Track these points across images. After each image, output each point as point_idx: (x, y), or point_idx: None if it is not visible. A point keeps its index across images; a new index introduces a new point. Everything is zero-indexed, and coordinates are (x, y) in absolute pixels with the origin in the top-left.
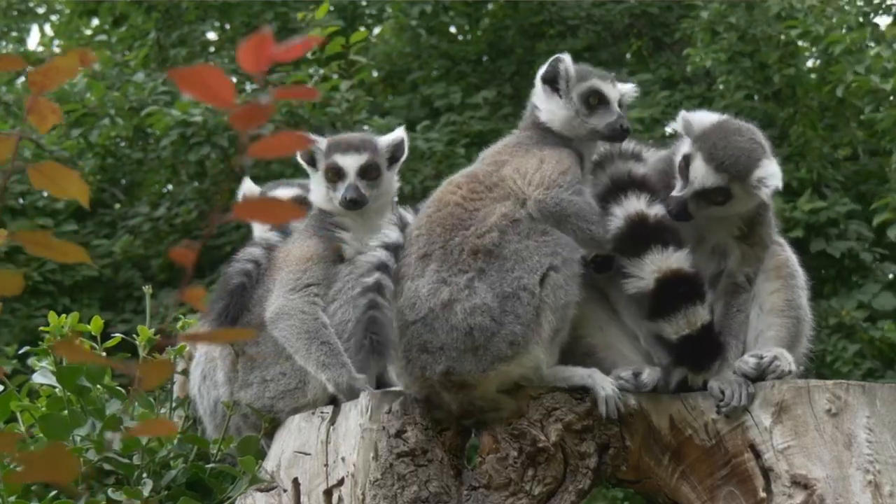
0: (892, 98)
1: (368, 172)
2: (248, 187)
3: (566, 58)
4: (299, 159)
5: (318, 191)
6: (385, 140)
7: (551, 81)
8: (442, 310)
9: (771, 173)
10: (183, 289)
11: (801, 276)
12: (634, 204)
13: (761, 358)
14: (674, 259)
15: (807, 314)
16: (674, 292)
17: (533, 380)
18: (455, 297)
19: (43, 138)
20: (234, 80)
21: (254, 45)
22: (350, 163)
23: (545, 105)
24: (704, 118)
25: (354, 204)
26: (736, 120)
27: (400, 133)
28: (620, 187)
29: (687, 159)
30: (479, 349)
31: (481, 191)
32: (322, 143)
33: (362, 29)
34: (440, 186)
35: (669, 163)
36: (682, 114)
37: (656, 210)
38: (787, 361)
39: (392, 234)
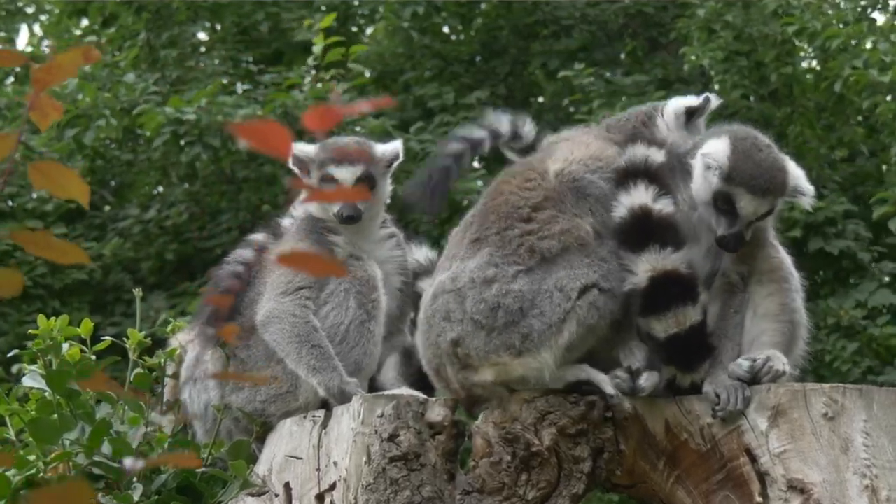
0: (890, 95)
1: (365, 182)
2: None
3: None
4: (290, 165)
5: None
6: (381, 149)
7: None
8: (481, 284)
9: (798, 176)
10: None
11: (796, 279)
12: (641, 196)
13: (754, 360)
14: (670, 260)
15: (802, 317)
16: (666, 292)
17: (532, 384)
18: (497, 278)
19: (33, 140)
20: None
21: (321, 112)
22: (346, 175)
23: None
24: (720, 150)
25: (350, 220)
26: (742, 130)
27: (397, 145)
28: (632, 173)
29: (725, 197)
30: (494, 331)
31: (534, 177)
32: (312, 151)
33: (355, 30)
34: (496, 178)
35: (642, 121)
36: (701, 153)
37: (661, 205)
38: (781, 362)
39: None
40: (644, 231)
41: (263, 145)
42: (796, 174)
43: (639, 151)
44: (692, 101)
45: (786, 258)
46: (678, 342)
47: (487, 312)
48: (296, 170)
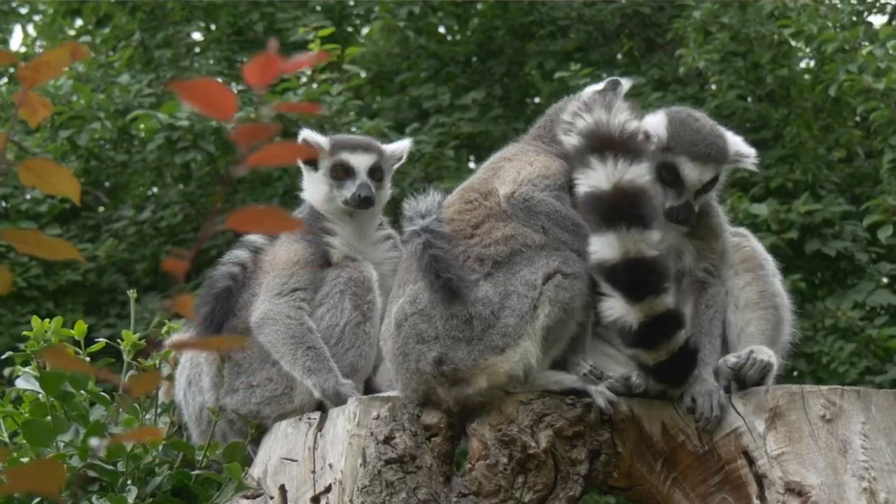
0: (884, 100)
1: (375, 173)
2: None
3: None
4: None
5: (317, 190)
6: (390, 147)
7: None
8: (443, 299)
9: (737, 142)
10: (172, 297)
11: (770, 263)
12: (635, 238)
13: (739, 356)
14: (664, 301)
15: (784, 300)
16: (658, 329)
17: (523, 379)
18: None
19: (27, 140)
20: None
21: (261, 63)
22: (360, 161)
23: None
24: (657, 123)
25: (367, 202)
26: (677, 106)
27: (404, 145)
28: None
29: (669, 167)
30: (474, 340)
31: (475, 199)
32: (324, 141)
33: (350, 30)
34: None
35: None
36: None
37: (655, 248)
38: (766, 354)
39: (438, 198)
40: (641, 275)
41: (206, 105)
42: (734, 140)
43: (626, 176)
44: (599, 86)
45: (757, 245)
46: (667, 367)
47: (462, 326)
48: (300, 162)
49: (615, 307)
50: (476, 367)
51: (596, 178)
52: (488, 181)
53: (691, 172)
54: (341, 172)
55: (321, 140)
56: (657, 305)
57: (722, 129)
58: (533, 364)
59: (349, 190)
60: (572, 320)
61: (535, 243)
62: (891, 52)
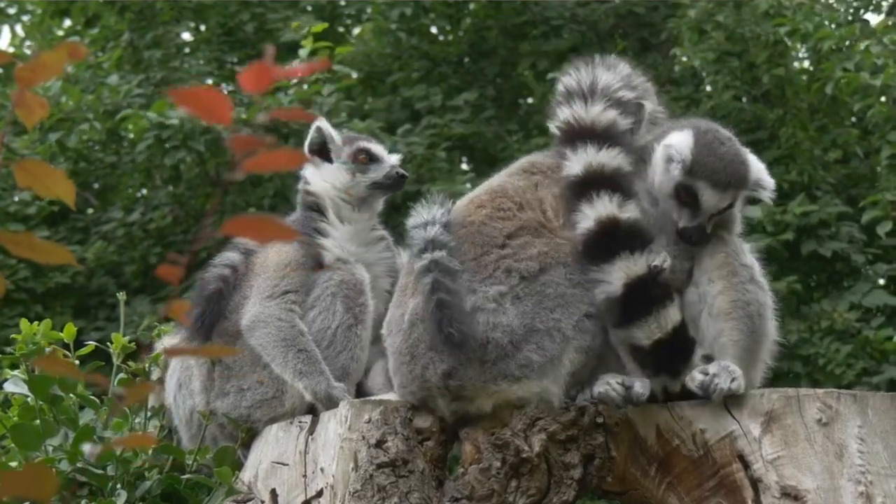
0: (882, 97)
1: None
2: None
3: None
4: (306, 150)
5: (335, 178)
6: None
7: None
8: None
9: (759, 170)
10: (166, 302)
11: (747, 270)
12: (607, 206)
13: (706, 375)
14: (640, 264)
15: (761, 308)
16: (644, 296)
17: (534, 405)
18: (480, 305)
19: (15, 142)
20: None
21: (256, 70)
22: (380, 148)
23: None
24: (682, 143)
25: (403, 179)
26: (705, 123)
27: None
28: (591, 183)
29: (688, 189)
30: (488, 363)
31: (509, 207)
32: (335, 135)
33: (341, 30)
34: (457, 205)
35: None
36: (664, 146)
37: (627, 212)
38: (728, 378)
39: (437, 212)
40: (614, 240)
41: (203, 112)
42: (758, 167)
43: (593, 159)
44: None
45: (735, 251)
46: (664, 347)
47: (476, 347)
48: (309, 154)
49: (602, 279)
50: (484, 389)
51: (572, 167)
52: (525, 191)
53: (710, 199)
54: (364, 157)
55: (335, 133)
56: (633, 265)
57: (745, 154)
58: (552, 399)
59: (377, 172)
60: (594, 354)
61: (564, 259)
62: (890, 46)
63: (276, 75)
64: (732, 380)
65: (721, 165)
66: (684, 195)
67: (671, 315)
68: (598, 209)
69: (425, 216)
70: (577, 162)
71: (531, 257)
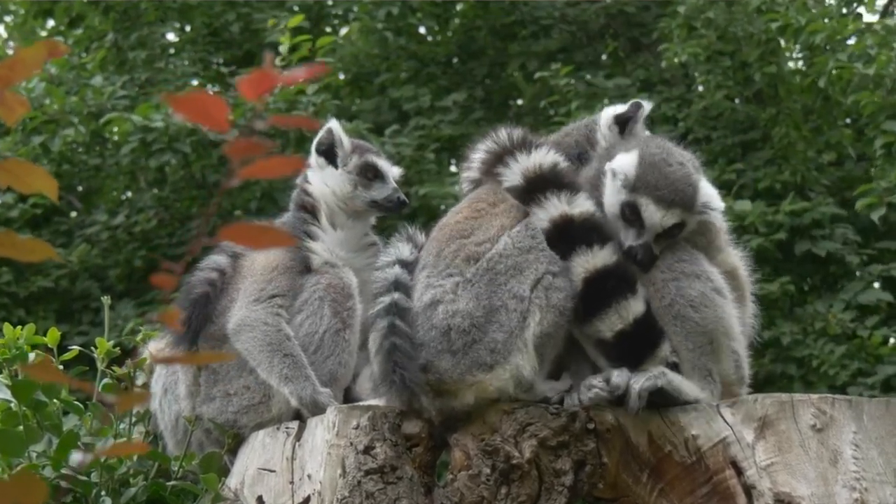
0: (877, 87)
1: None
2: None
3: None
4: (314, 150)
5: (337, 185)
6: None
7: None
8: (425, 309)
9: (709, 195)
10: (155, 309)
11: (679, 265)
12: (556, 205)
13: (619, 382)
14: (600, 257)
15: (691, 302)
16: (603, 288)
17: (514, 394)
18: (439, 298)
19: None
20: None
21: (256, 77)
22: (388, 167)
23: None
24: (627, 163)
25: (404, 204)
26: (655, 143)
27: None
28: (535, 187)
29: (632, 207)
30: (458, 352)
31: (483, 207)
32: (345, 140)
33: (329, 30)
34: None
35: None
36: (609, 167)
37: (578, 207)
38: (637, 391)
39: (405, 250)
40: (569, 237)
41: (200, 117)
42: (708, 192)
43: (526, 164)
44: (621, 109)
45: (677, 253)
46: (627, 339)
47: (440, 337)
48: (317, 155)
49: (569, 268)
50: (463, 381)
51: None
52: (497, 192)
53: (653, 215)
54: (371, 173)
55: (346, 139)
56: (592, 258)
57: (697, 179)
58: (525, 376)
59: (380, 192)
60: (563, 319)
61: (512, 225)
62: (881, 32)
63: (276, 81)
64: (639, 392)
65: (664, 182)
66: (629, 212)
67: (632, 307)
68: (549, 210)
69: (392, 255)
70: (515, 172)
71: (490, 238)
